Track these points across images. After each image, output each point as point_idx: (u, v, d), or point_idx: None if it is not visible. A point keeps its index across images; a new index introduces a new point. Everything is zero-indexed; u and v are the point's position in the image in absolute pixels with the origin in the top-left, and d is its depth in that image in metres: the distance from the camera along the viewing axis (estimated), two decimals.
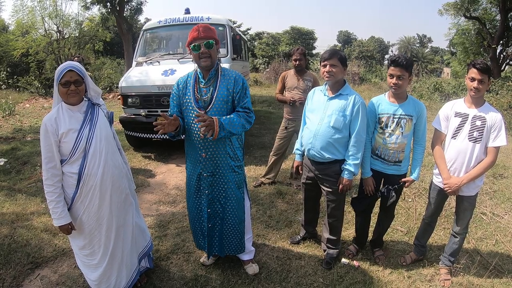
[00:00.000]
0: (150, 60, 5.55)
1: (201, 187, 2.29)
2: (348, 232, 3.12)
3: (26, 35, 14.36)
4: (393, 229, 3.17)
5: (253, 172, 4.71)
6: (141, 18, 22.33)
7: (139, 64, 5.63)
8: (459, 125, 2.28)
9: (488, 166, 2.22)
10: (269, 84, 17.17)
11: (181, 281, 2.46)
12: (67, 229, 1.94)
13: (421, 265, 2.66)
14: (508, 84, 10.11)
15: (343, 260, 2.69)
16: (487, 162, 2.22)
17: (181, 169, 4.89)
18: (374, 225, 2.81)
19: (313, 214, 2.91)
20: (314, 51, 33.90)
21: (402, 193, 3.12)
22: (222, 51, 5.37)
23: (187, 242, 2.93)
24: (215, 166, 2.23)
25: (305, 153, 2.57)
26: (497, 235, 3.12)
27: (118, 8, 14.67)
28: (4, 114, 8.95)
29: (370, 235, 2.88)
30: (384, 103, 2.45)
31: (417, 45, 49.27)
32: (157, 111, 4.97)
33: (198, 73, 2.21)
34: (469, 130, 2.24)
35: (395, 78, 2.30)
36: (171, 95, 2.29)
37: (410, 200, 3.83)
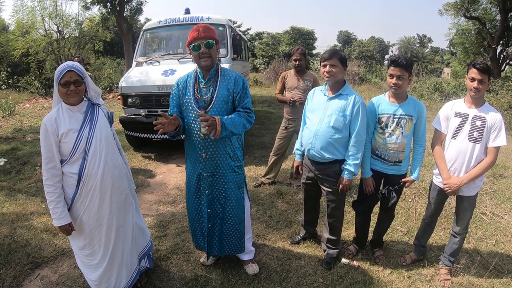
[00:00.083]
0: (150, 60, 5.55)
1: (201, 187, 2.29)
2: (348, 232, 3.12)
3: (26, 35, 14.36)
4: (393, 229, 3.17)
5: (253, 172, 4.71)
6: (141, 18, 22.38)
7: (139, 64, 5.63)
8: (459, 125, 2.28)
9: (488, 166, 2.22)
10: (269, 84, 17.17)
11: (181, 281, 2.46)
12: (67, 229, 1.94)
13: (421, 265, 2.66)
14: (508, 84, 10.11)
15: (343, 260, 2.69)
16: (487, 162, 2.22)
17: (181, 169, 4.89)
18: (374, 225, 2.81)
19: (313, 214, 2.91)
20: (314, 51, 33.90)
21: (402, 193, 3.12)
22: (222, 51, 5.37)
23: (187, 242, 2.93)
24: (215, 166, 2.23)
25: (305, 153, 2.57)
26: (497, 235, 3.12)
27: (118, 8, 14.66)
28: (4, 114, 8.95)
29: (370, 235, 2.88)
30: (384, 103, 2.45)
31: (417, 45, 49.29)
32: (157, 111, 4.97)
33: (198, 73, 2.21)
34: (469, 130, 2.24)
35: (395, 78, 2.30)
36: (170, 95, 2.29)
37: (410, 200, 3.83)
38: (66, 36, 15.09)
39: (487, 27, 15.27)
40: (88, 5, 14.51)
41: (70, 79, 1.85)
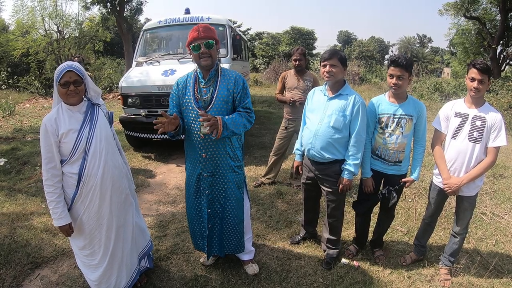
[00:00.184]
0: (150, 60, 5.55)
1: (200, 187, 2.29)
2: (348, 232, 3.12)
3: (26, 35, 14.36)
4: (393, 229, 3.17)
5: (253, 172, 4.71)
6: (141, 18, 22.36)
7: (139, 64, 5.63)
8: (459, 125, 2.28)
9: (488, 166, 2.22)
10: (269, 84, 17.16)
11: (181, 281, 2.46)
12: (67, 229, 1.94)
13: (421, 265, 2.66)
14: (508, 84, 10.11)
15: (343, 260, 2.69)
16: (487, 162, 2.22)
17: (181, 169, 4.89)
18: (374, 225, 2.81)
19: (313, 214, 2.91)
20: (314, 51, 33.91)
21: (402, 193, 3.12)
22: (222, 51, 5.37)
23: (187, 242, 2.93)
24: (215, 166, 2.23)
25: (305, 153, 2.57)
26: (497, 235, 3.12)
27: (118, 8, 14.66)
28: (4, 114, 8.95)
29: (370, 235, 2.88)
30: (384, 103, 2.45)
31: (417, 45, 49.29)
32: (157, 111, 4.97)
33: (198, 73, 2.21)
34: (469, 130, 2.24)
35: (395, 78, 2.30)
36: (170, 95, 2.29)
37: (410, 200, 3.83)
38: (66, 36, 15.09)
39: (487, 27, 15.27)
40: (88, 5, 14.52)
41: (70, 79, 1.85)
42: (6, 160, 5.16)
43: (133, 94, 5.11)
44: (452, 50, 25.35)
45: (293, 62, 3.91)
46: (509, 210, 3.64)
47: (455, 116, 2.31)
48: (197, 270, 2.59)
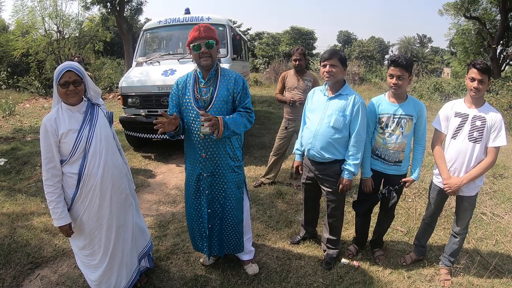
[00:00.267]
0: (150, 60, 5.55)
1: (200, 187, 2.29)
2: (348, 232, 3.12)
3: (26, 35, 14.36)
4: (393, 229, 3.17)
5: (253, 172, 4.71)
6: (141, 18, 22.35)
7: (139, 64, 5.63)
8: (459, 125, 2.28)
9: (488, 166, 2.22)
10: (269, 84, 17.17)
11: (181, 281, 2.46)
12: (67, 229, 1.94)
13: (421, 265, 2.65)
14: (508, 84, 10.11)
15: (343, 260, 2.69)
16: (487, 162, 2.22)
17: (181, 169, 4.89)
18: (374, 225, 2.81)
19: (313, 214, 2.91)
20: (314, 51, 33.90)
21: (402, 193, 3.12)
22: (222, 51, 5.37)
23: (187, 242, 2.93)
24: (215, 166, 2.23)
25: (305, 153, 2.57)
26: (497, 235, 3.12)
27: (118, 8, 14.66)
28: (4, 114, 8.95)
29: (370, 235, 2.88)
30: (384, 103, 2.45)
31: (417, 45, 49.28)
32: (157, 111, 4.97)
33: (198, 73, 2.20)
34: (469, 130, 2.24)
35: (395, 78, 2.30)
36: (170, 95, 2.29)
37: (410, 200, 3.83)
38: (66, 36, 15.09)
39: (487, 27, 15.27)
40: (88, 5, 14.52)
41: (69, 79, 1.85)
42: (6, 160, 5.16)
43: (133, 94, 5.11)
44: (452, 50, 25.34)
45: (293, 62, 3.91)
46: (509, 210, 3.64)
47: (455, 116, 2.31)
48: (197, 270, 2.59)
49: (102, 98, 2.18)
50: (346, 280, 2.48)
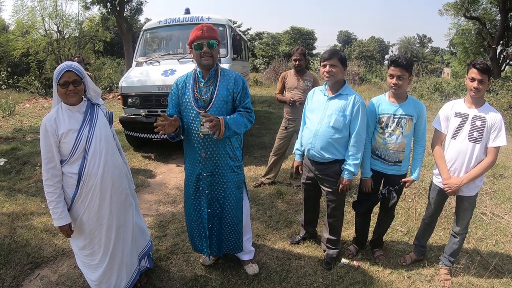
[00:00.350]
0: (150, 60, 5.55)
1: (200, 187, 2.29)
2: (348, 232, 3.12)
3: (26, 35, 14.36)
4: (393, 229, 3.17)
5: (253, 172, 4.71)
6: (141, 18, 22.35)
7: (139, 64, 5.63)
8: (459, 125, 2.28)
9: (488, 166, 2.22)
10: (269, 84, 17.17)
11: (181, 281, 2.46)
12: (67, 229, 1.94)
13: (421, 265, 2.65)
14: (508, 84, 10.11)
15: (343, 260, 2.69)
16: (487, 162, 2.22)
17: (181, 169, 4.89)
18: (374, 225, 2.81)
19: (313, 214, 2.91)
20: (314, 51, 33.90)
21: (402, 193, 3.12)
22: (222, 51, 5.36)
23: (187, 242, 2.92)
24: (214, 166, 2.23)
25: (305, 153, 2.57)
26: (497, 235, 3.11)
27: (118, 8, 14.66)
28: (4, 114, 8.95)
29: (370, 235, 2.88)
30: (384, 103, 2.45)
31: (417, 45, 49.28)
32: (157, 111, 4.98)
33: (198, 73, 2.20)
34: (469, 130, 2.24)
35: (395, 78, 2.30)
36: (169, 95, 2.29)
37: (410, 200, 3.83)
38: (66, 36, 15.09)
39: (487, 27, 15.28)
40: (88, 5, 14.52)
41: (69, 79, 1.85)
42: (6, 160, 5.16)
43: (133, 94, 5.11)
44: (452, 50, 25.35)
45: (293, 62, 3.91)
46: (509, 210, 3.64)
47: (455, 116, 2.31)
48: (197, 270, 2.59)
49: (102, 98, 2.18)
50: (346, 280, 2.48)
